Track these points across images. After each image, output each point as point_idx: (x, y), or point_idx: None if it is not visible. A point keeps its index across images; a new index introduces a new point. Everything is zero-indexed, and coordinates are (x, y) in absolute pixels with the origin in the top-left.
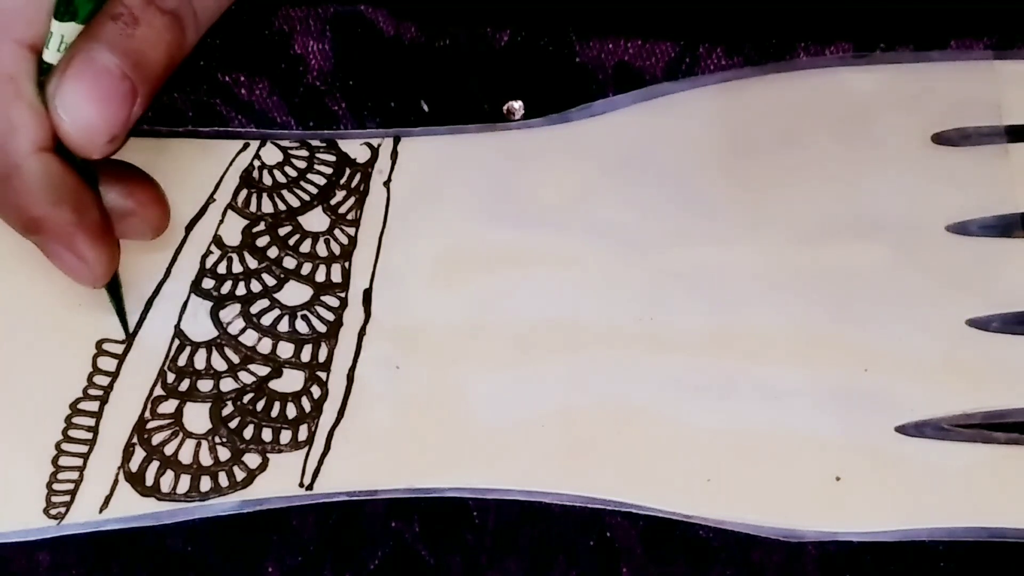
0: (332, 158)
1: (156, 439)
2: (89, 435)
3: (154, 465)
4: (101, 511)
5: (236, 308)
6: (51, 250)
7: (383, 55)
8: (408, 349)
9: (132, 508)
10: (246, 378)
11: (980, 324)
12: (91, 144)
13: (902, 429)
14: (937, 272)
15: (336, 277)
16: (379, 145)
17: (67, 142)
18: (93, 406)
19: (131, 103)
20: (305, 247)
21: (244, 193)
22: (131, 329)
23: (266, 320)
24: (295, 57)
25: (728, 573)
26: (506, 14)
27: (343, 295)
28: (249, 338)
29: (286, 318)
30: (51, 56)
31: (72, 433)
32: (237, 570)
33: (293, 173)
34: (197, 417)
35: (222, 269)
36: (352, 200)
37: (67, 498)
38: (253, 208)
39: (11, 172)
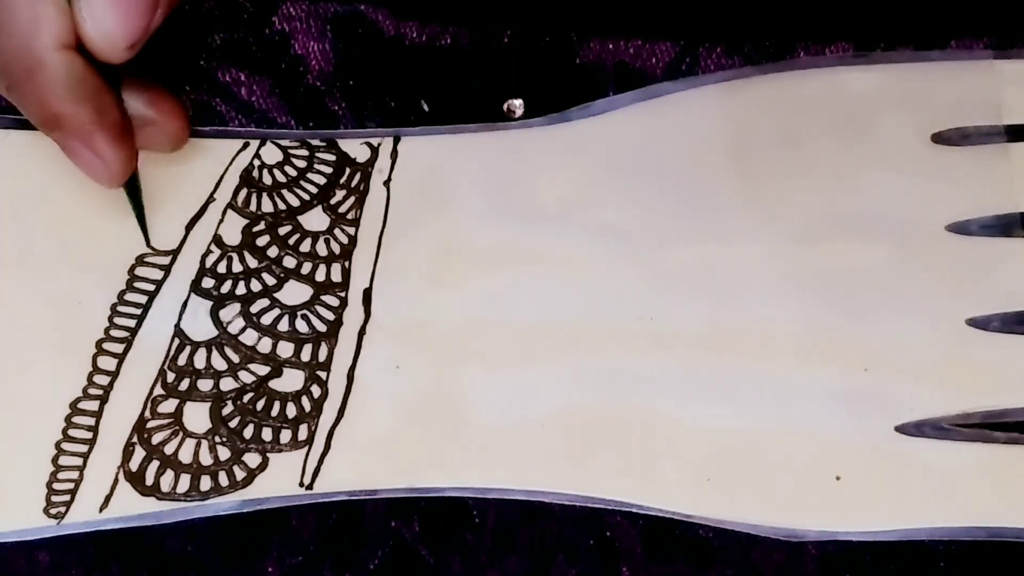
0: (332, 157)
1: (156, 438)
2: (89, 435)
3: (154, 464)
4: (101, 510)
5: (236, 307)
6: (70, 147)
7: (383, 55)
8: (408, 349)
9: (132, 508)
10: (246, 377)
11: (980, 324)
12: (111, 49)
13: (902, 428)
14: (937, 272)
15: (336, 276)
16: (379, 144)
17: (88, 46)
18: (93, 405)
19: (152, 11)
20: (305, 246)
21: (244, 192)
22: (150, 238)
23: (266, 319)
24: (295, 57)
25: (728, 573)
26: (506, 14)
27: (343, 294)
28: (249, 337)
29: (286, 317)
30: None
31: (72, 432)
32: (237, 570)
33: (293, 172)
34: (197, 416)
35: (222, 268)
36: (352, 199)
37: (67, 497)
38: (253, 207)
39: (34, 67)
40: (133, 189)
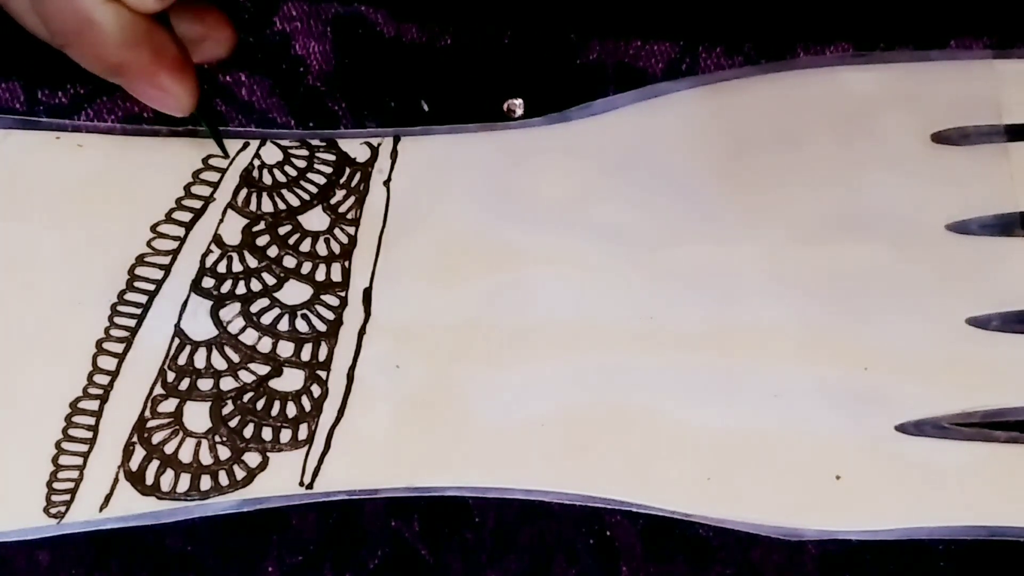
0: (332, 157)
1: (156, 438)
2: (89, 434)
3: (154, 464)
4: (101, 510)
5: (236, 307)
6: (137, 89)
7: (384, 55)
8: (408, 348)
9: (132, 507)
10: (246, 377)
11: (980, 323)
12: (143, 1)
13: (902, 428)
14: (937, 271)
15: (336, 276)
16: (379, 144)
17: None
18: (93, 405)
19: None
20: (305, 246)
21: (244, 192)
22: (229, 152)
23: (266, 319)
24: (296, 58)
25: (728, 572)
26: (506, 14)
27: (343, 294)
28: (249, 337)
29: (286, 317)
30: None
31: (72, 432)
32: (237, 570)
33: (293, 172)
34: (197, 416)
35: (222, 268)
36: (352, 199)
37: (67, 497)
38: (253, 207)
39: (85, 25)
40: (206, 110)
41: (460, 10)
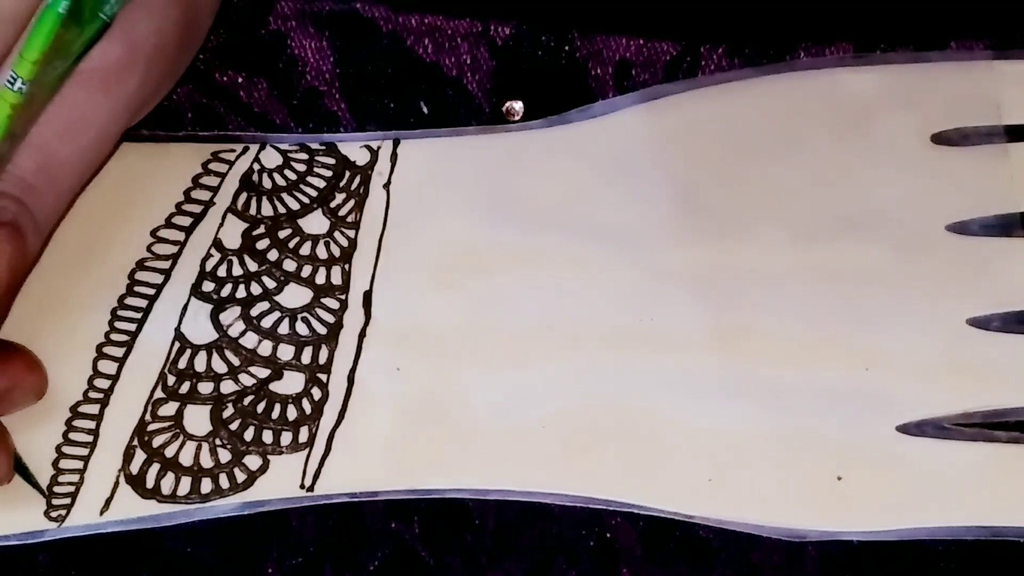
0: (332, 161)
1: (157, 441)
2: (90, 438)
3: (155, 467)
4: (102, 513)
5: (236, 311)
6: None
7: (382, 55)
8: (408, 351)
9: (133, 510)
10: (246, 380)
11: (980, 323)
12: None
13: (903, 428)
14: (937, 272)
15: (336, 279)
16: (379, 148)
17: None
18: (93, 409)
19: None
20: (305, 250)
21: (244, 196)
22: (46, 491)
23: (266, 322)
24: (292, 57)
25: (728, 574)
26: (507, 13)
27: (343, 297)
28: (249, 340)
29: (286, 320)
30: None
31: (73, 436)
32: (237, 571)
33: (293, 176)
34: (198, 419)
35: (222, 272)
36: (352, 203)
37: (68, 500)
38: (253, 211)
39: None
40: (20, 468)
41: (460, 9)
